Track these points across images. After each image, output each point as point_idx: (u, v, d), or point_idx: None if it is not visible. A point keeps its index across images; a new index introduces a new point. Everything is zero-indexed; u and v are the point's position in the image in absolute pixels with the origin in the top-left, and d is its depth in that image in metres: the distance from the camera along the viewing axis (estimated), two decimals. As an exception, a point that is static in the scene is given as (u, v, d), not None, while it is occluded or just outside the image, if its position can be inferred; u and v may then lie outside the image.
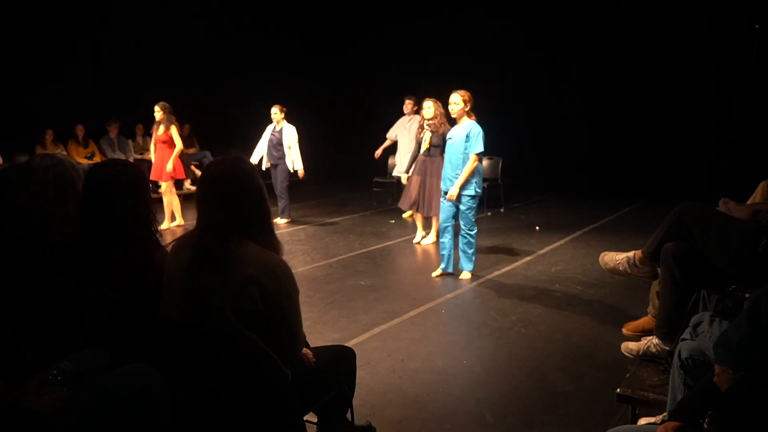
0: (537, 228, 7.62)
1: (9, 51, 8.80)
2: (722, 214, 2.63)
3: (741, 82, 9.61)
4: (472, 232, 5.33)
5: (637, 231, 7.28)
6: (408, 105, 7.88)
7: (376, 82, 12.01)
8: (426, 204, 6.39)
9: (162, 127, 7.45)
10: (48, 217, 2.21)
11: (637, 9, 10.41)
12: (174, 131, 7.45)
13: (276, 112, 7.95)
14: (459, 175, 5.19)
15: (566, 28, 11.07)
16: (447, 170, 5.37)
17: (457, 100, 5.18)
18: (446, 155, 5.40)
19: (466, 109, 5.21)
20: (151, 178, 7.41)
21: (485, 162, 9.26)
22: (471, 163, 5.13)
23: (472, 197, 5.23)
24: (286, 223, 8.10)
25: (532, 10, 11.35)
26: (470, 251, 5.42)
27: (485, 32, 11.66)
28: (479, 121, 5.22)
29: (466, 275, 5.43)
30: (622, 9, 10.56)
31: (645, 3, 10.33)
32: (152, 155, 7.73)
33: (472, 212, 5.29)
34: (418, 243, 6.81)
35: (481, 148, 5.14)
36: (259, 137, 8.16)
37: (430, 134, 6.24)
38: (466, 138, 5.15)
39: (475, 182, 5.23)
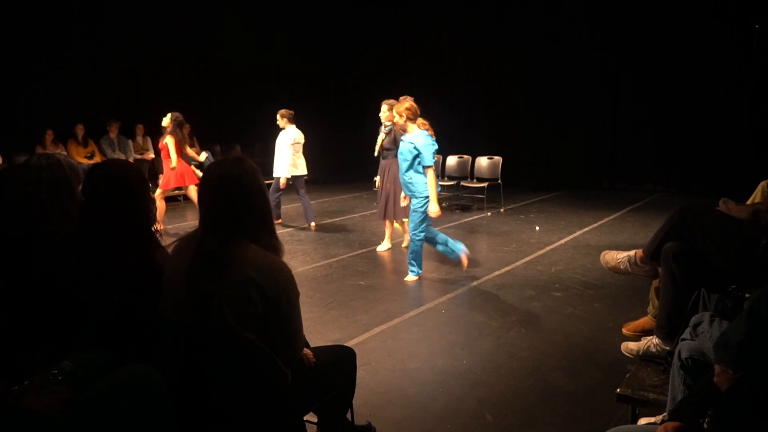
0: (537, 228, 7.62)
1: (9, 51, 8.81)
2: (722, 214, 2.62)
3: (741, 82, 9.60)
4: (417, 238, 5.19)
5: (638, 231, 7.30)
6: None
7: (374, 81, 12.03)
8: (389, 210, 6.27)
9: (167, 137, 7.21)
10: (46, 217, 2.21)
11: (637, 8, 10.41)
12: (170, 143, 7.17)
13: (278, 117, 7.71)
14: (407, 179, 5.12)
15: (567, 27, 11.07)
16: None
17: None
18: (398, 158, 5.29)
19: (403, 121, 5.06)
20: (177, 184, 7.41)
21: (485, 162, 9.30)
22: (430, 179, 5.00)
23: (423, 197, 5.08)
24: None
25: (531, 10, 11.35)
26: (410, 255, 5.33)
27: (485, 33, 11.67)
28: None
29: (408, 278, 5.37)
30: (621, 9, 10.56)
31: (645, 3, 10.33)
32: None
33: (418, 215, 5.12)
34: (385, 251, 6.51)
35: (430, 162, 4.99)
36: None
37: (382, 136, 6.28)
38: (414, 148, 5.02)
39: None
